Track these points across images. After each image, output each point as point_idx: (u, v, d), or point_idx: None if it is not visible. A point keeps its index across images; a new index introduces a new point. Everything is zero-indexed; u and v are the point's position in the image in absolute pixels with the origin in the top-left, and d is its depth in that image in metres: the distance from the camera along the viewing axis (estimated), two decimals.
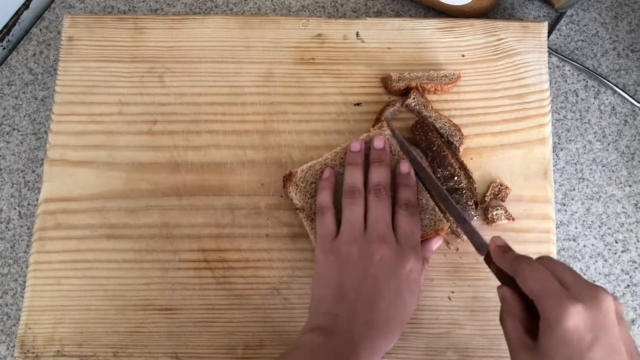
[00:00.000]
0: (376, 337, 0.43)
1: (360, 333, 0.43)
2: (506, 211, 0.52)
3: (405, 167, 0.50)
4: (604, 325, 0.36)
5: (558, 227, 0.56)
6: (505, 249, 0.44)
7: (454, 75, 0.55)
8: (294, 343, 0.44)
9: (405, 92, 0.55)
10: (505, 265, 0.43)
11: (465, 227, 0.47)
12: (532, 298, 0.39)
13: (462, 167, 0.53)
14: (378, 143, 0.51)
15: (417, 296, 0.46)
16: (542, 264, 0.41)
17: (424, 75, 0.55)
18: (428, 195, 0.51)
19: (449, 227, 0.51)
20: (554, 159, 0.57)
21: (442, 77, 0.55)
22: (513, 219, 0.52)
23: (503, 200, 0.53)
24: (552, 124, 0.57)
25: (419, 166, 0.50)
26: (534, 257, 0.46)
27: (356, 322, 0.43)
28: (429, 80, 0.54)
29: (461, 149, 0.53)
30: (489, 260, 0.45)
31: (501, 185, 0.53)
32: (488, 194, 0.53)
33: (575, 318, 0.36)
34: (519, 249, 0.52)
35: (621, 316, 0.38)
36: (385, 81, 0.55)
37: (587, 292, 0.37)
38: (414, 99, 0.54)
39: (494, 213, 0.52)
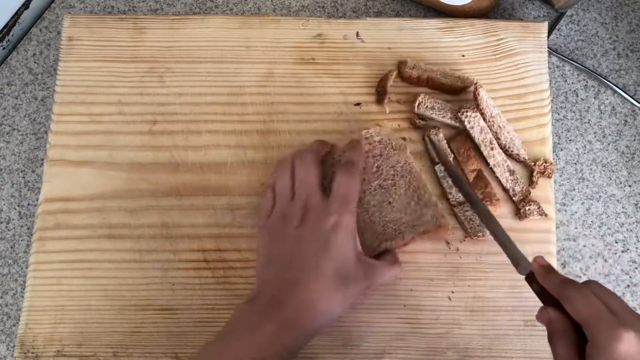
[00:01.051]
0: (306, 292, 0.42)
1: (287, 292, 0.42)
2: (539, 207, 0.52)
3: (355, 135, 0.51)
4: None
5: (558, 227, 0.56)
6: (549, 269, 0.43)
7: (467, 80, 0.54)
8: None
9: (416, 81, 0.55)
10: (551, 287, 0.42)
11: (505, 243, 0.46)
12: (580, 323, 0.39)
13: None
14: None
15: (352, 250, 0.44)
16: (588, 288, 0.41)
17: (439, 70, 0.55)
18: (431, 191, 0.51)
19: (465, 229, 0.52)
20: (554, 159, 0.57)
21: (456, 77, 0.54)
22: (546, 215, 0.52)
23: (550, 177, 0.53)
24: (552, 124, 0.57)
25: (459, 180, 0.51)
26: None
27: (281, 282, 0.43)
28: (443, 77, 0.54)
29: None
30: (530, 280, 0.44)
31: (545, 162, 0.53)
32: (535, 173, 0.53)
33: (626, 344, 0.36)
34: (519, 249, 0.52)
35: None
36: (400, 65, 0.55)
37: (636, 320, 0.37)
38: (422, 102, 0.54)
39: (527, 208, 0.52)
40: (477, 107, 0.53)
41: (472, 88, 0.54)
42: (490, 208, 0.52)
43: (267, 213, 0.48)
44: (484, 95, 0.52)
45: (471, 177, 0.53)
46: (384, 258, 0.48)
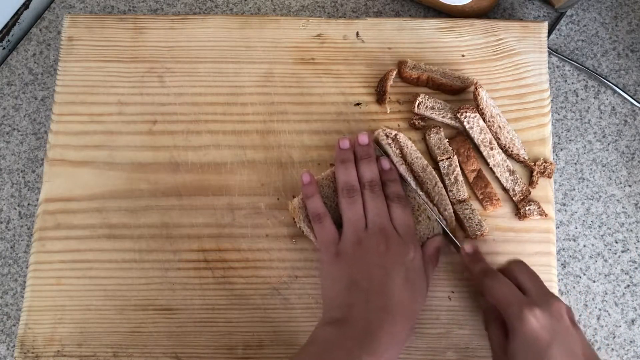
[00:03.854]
0: (394, 323, 0.43)
1: (377, 319, 0.43)
2: (539, 207, 0.52)
3: (385, 163, 0.51)
4: (559, 326, 0.41)
5: (558, 227, 0.56)
6: (475, 257, 0.48)
7: (467, 80, 0.54)
8: (308, 339, 0.44)
9: (416, 81, 0.55)
10: (474, 276, 0.48)
11: (443, 232, 0.51)
12: (498, 309, 0.44)
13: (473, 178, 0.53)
14: (363, 139, 0.52)
15: (425, 284, 0.47)
16: (508, 269, 0.46)
17: (439, 70, 0.55)
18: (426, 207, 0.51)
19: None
20: (554, 159, 0.57)
21: (455, 77, 0.54)
22: (546, 215, 0.52)
23: (550, 177, 0.53)
24: (552, 124, 0.57)
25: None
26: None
27: (371, 309, 0.44)
28: (442, 77, 0.54)
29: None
30: None
31: (545, 162, 0.53)
32: (535, 173, 0.53)
33: (533, 321, 0.41)
34: (519, 249, 0.52)
35: (574, 321, 0.42)
36: (400, 65, 0.55)
37: (542, 297, 0.42)
38: (422, 102, 0.54)
39: (527, 208, 0.52)
40: (477, 107, 0.53)
41: (472, 88, 0.54)
42: (490, 208, 0.52)
43: (333, 240, 0.48)
44: (484, 95, 0.52)
45: (471, 177, 0.53)
46: (426, 262, 0.49)
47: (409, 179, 0.51)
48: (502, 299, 0.43)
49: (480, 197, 0.52)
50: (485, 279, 0.45)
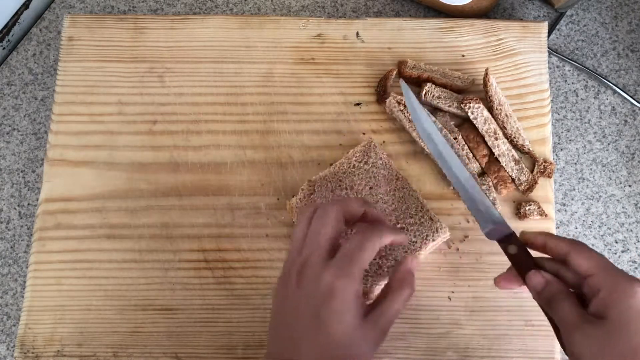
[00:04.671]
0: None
1: (285, 356, 0.39)
2: (539, 207, 0.52)
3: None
4: None
5: (558, 227, 0.56)
6: (551, 235, 0.43)
7: (466, 80, 0.54)
8: None
9: (416, 81, 0.55)
10: (560, 246, 0.41)
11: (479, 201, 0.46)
12: (591, 274, 0.38)
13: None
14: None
15: (349, 319, 0.38)
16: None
17: (439, 70, 0.55)
18: (417, 195, 0.51)
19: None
20: (554, 159, 0.57)
21: (455, 77, 0.55)
22: (546, 215, 0.52)
23: (550, 177, 0.53)
24: (552, 124, 0.57)
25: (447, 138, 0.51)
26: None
27: (285, 351, 0.39)
28: (442, 77, 0.54)
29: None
30: (505, 244, 0.44)
31: (545, 162, 0.53)
32: (535, 172, 0.53)
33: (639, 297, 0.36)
34: None
35: None
36: (400, 65, 0.55)
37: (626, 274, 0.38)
38: (429, 91, 0.54)
39: (527, 208, 0.52)
40: (486, 93, 0.53)
41: (477, 77, 0.54)
42: (504, 192, 0.52)
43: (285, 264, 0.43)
44: (493, 82, 0.53)
45: (483, 162, 0.53)
46: (391, 287, 0.42)
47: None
48: (603, 265, 0.38)
49: (495, 182, 0.53)
50: (579, 245, 0.40)
